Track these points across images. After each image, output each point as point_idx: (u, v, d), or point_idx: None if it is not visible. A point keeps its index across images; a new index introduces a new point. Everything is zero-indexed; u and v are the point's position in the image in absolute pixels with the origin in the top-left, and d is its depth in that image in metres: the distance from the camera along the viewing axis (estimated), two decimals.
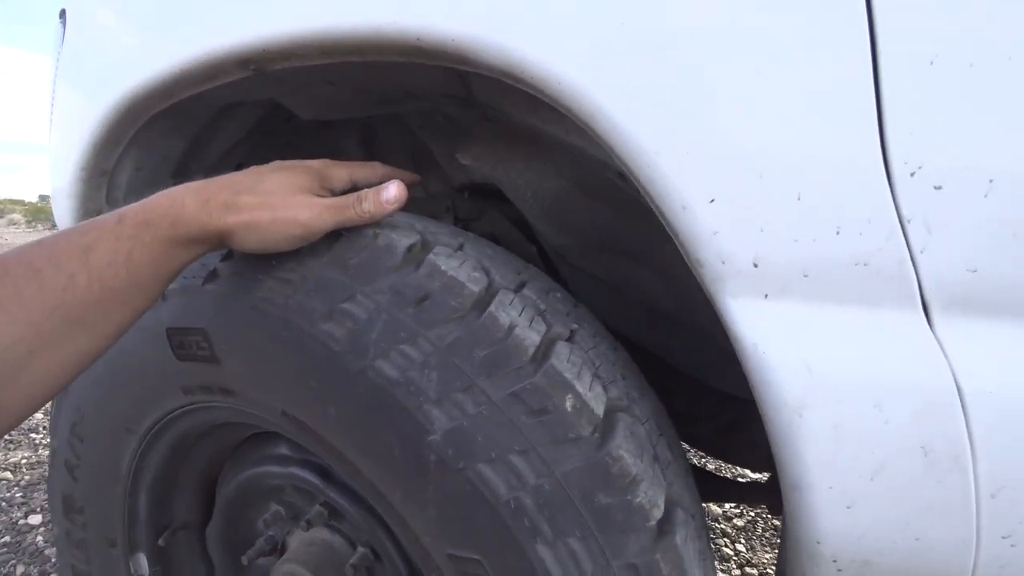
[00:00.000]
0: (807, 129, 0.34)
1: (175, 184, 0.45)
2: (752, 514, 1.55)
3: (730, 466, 1.58)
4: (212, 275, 0.50)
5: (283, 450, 0.62)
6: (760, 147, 0.34)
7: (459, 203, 0.78)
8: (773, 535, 1.45)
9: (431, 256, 0.43)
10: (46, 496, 1.61)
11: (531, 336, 0.41)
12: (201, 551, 0.73)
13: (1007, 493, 0.36)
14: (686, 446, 1.01)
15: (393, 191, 0.48)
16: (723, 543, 1.41)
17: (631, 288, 0.71)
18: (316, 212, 0.45)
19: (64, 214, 0.71)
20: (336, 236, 0.46)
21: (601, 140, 0.38)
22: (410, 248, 0.44)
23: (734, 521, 1.52)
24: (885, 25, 0.32)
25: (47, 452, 1.80)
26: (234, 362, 0.50)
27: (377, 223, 0.46)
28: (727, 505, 1.56)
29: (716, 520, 1.52)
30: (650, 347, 0.73)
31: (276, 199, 0.44)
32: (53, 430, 0.69)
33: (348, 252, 0.44)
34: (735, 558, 1.37)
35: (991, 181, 0.34)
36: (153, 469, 0.66)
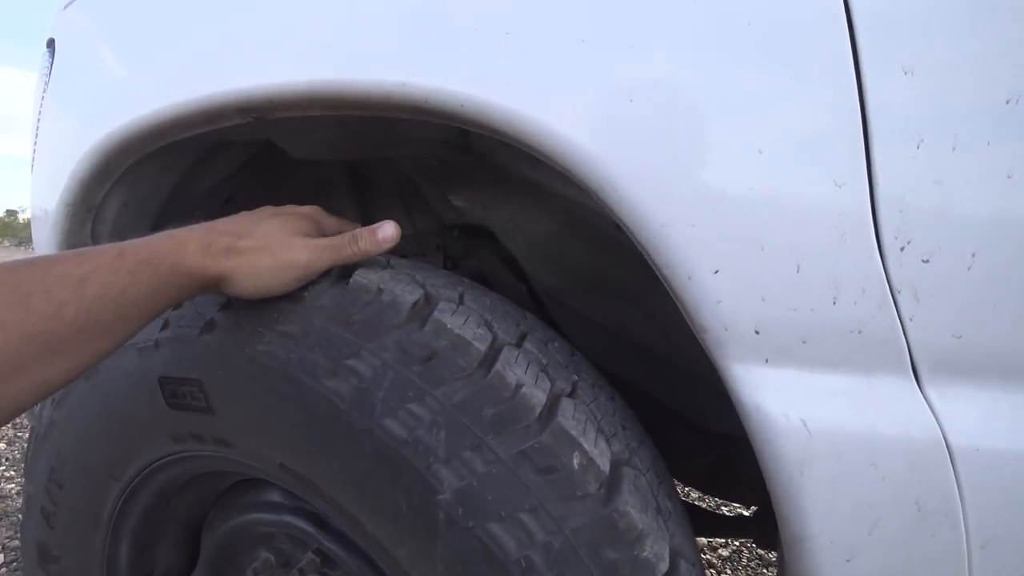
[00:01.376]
0: (806, 206, 0.36)
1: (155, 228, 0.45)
2: (736, 544, 1.57)
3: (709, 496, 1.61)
4: (209, 325, 0.49)
5: (274, 497, 0.61)
6: (761, 223, 0.36)
7: (449, 241, 0.79)
8: (759, 565, 1.48)
9: (436, 313, 0.44)
10: (8, 533, 1.53)
11: (537, 395, 0.42)
12: None
13: (996, 544, 0.38)
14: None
15: (389, 230, 0.49)
16: (709, 574, 1.43)
17: (622, 329, 0.72)
18: (315, 253, 0.46)
19: (47, 248, 0.69)
20: (340, 290, 0.46)
21: (608, 207, 0.39)
22: (415, 304, 0.44)
23: (719, 551, 1.54)
24: (877, 115, 0.35)
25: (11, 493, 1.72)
26: (230, 414, 0.49)
27: (382, 280, 0.46)
28: None
29: (702, 550, 1.54)
30: (640, 385, 0.74)
31: (275, 242, 0.45)
32: (29, 475, 0.66)
33: (352, 307, 0.45)
34: None
35: (973, 255, 0.36)
36: (136, 516, 0.64)
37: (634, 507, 0.42)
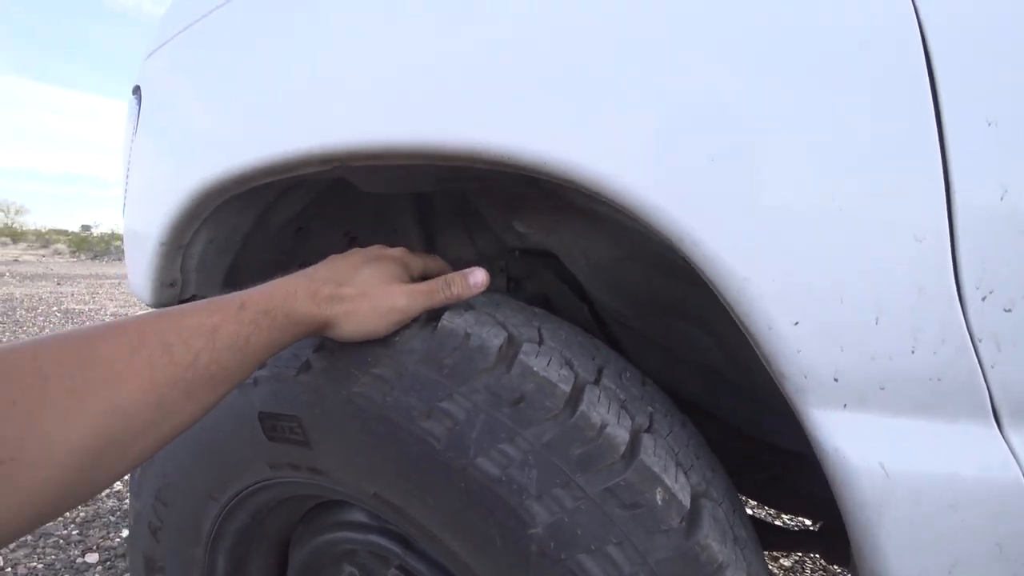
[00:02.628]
0: (887, 259, 0.37)
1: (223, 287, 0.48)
2: (798, 554, 1.56)
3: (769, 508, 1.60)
4: (305, 366, 0.53)
5: (360, 517, 0.65)
6: (841, 276, 0.38)
7: (511, 263, 0.81)
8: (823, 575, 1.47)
9: (521, 356, 0.47)
10: (102, 533, 1.65)
11: (621, 433, 0.45)
12: None
13: None
14: None
15: (480, 276, 0.53)
16: None
17: (682, 348, 0.74)
18: (411, 298, 0.50)
19: (142, 283, 0.75)
20: (428, 334, 0.49)
21: (689, 260, 0.41)
22: (500, 348, 0.47)
23: (781, 561, 1.54)
24: (959, 168, 0.36)
25: (101, 495, 1.84)
26: (327, 448, 0.53)
27: (468, 324, 0.49)
28: None
29: None
30: (702, 403, 0.76)
31: (372, 289, 0.49)
32: (136, 494, 0.72)
33: (441, 352, 0.48)
34: None
35: None
36: (232, 533, 0.70)
37: (714, 539, 0.44)
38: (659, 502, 0.43)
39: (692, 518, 0.44)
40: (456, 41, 0.47)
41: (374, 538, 0.63)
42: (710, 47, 0.40)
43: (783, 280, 0.38)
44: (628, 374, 0.55)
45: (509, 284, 0.82)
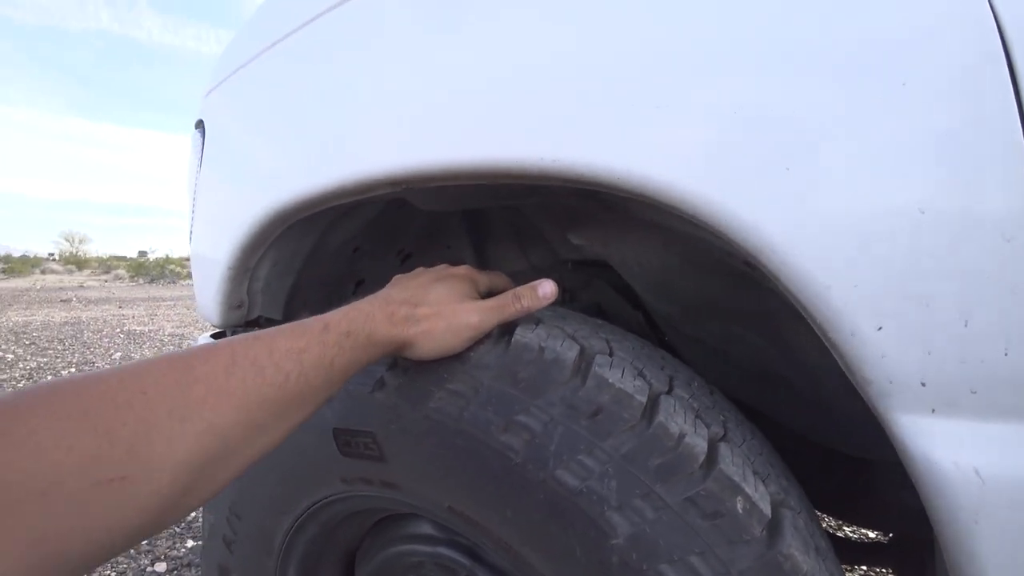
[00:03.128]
0: (973, 262, 0.37)
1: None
2: (862, 568, 1.52)
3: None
4: (379, 383, 0.55)
5: (428, 530, 0.67)
6: (927, 280, 0.37)
7: (565, 275, 0.82)
8: None
9: (596, 368, 0.47)
10: (168, 543, 1.71)
11: (699, 443, 0.45)
12: None
13: None
14: None
15: (548, 288, 0.55)
16: None
17: (740, 353, 0.73)
18: (484, 314, 0.51)
19: (211, 305, 0.78)
20: (502, 350, 0.50)
21: (766, 270, 0.41)
22: (574, 361, 0.48)
23: None
24: None
25: None
26: (402, 463, 0.55)
27: (541, 338, 0.50)
28: None
29: None
30: (763, 410, 0.75)
31: (446, 308, 0.51)
32: (211, 507, 0.75)
33: (517, 366, 0.49)
34: None
35: None
36: (303, 545, 0.72)
37: (797, 549, 0.44)
38: (740, 511, 0.43)
39: (774, 527, 0.44)
40: (525, 56, 0.48)
41: (442, 550, 0.64)
42: (781, 48, 0.40)
43: (866, 286, 0.38)
44: (696, 383, 0.55)
45: (564, 295, 0.83)
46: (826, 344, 0.42)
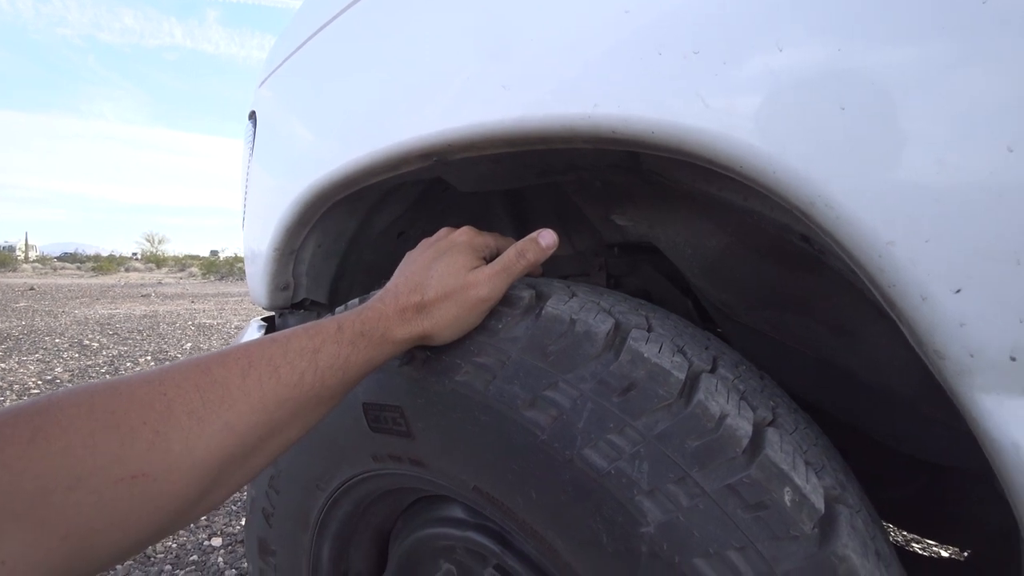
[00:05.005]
0: None
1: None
2: None
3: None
4: (408, 356, 0.54)
5: (459, 513, 0.65)
6: (1017, 231, 0.32)
7: (611, 261, 0.78)
8: None
9: (631, 343, 0.44)
10: (225, 520, 1.79)
11: (743, 425, 0.40)
12: None
13: None
14: None
15: (548, 236, 0.53)
16: None
17: (800, 343, 0.67)
18: (492, 282, 0.49)
19: (259, 288, 0.80)
20: (531, 321, 0.48)
21: (820, 228, 0.36)
22: (608, 334, 0.45)
23: None
24: None
25: None
26: (429, 439, 0.53)
27: (573, 311, 0.47)
28: None
29: None
30: (822, 405, 0.69)
31: (451, 286, 0.49)
32: (253, 482, 0.76)
33: (546, 338, 0.46)
34: None
35: None
36: (337, 522, 0.72)
37: (854, 551, 0.39)
38: (788, 503, 0.39)
39: (827, 524, 0.39)
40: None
41: (472, 535, 0.62)
42: None
43: (940, 241, 0.33)
44: (745, 367, 0.51)
45: (609, 282, 0.79)
46: (892, 315, 0.37)
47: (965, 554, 0.85)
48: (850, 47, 0.35)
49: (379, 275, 0.88)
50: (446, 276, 0.49)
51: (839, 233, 0.35)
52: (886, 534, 0.46)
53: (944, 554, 1.41)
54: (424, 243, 0.57)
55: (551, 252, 0.53)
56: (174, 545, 1.66)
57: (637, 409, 0.41)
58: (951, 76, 0.32)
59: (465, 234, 0.55)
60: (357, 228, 0.78)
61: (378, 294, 0.51)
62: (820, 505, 0.39)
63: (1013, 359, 0.33)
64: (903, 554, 0.78)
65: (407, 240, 0.87)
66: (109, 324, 6.14)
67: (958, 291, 0.33)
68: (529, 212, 0.89)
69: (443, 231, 0.57)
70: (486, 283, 0.49)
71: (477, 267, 0.51)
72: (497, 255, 0.54)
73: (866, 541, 0.40)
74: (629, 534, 0.41)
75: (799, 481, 0.39)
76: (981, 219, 0.32)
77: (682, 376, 0.42)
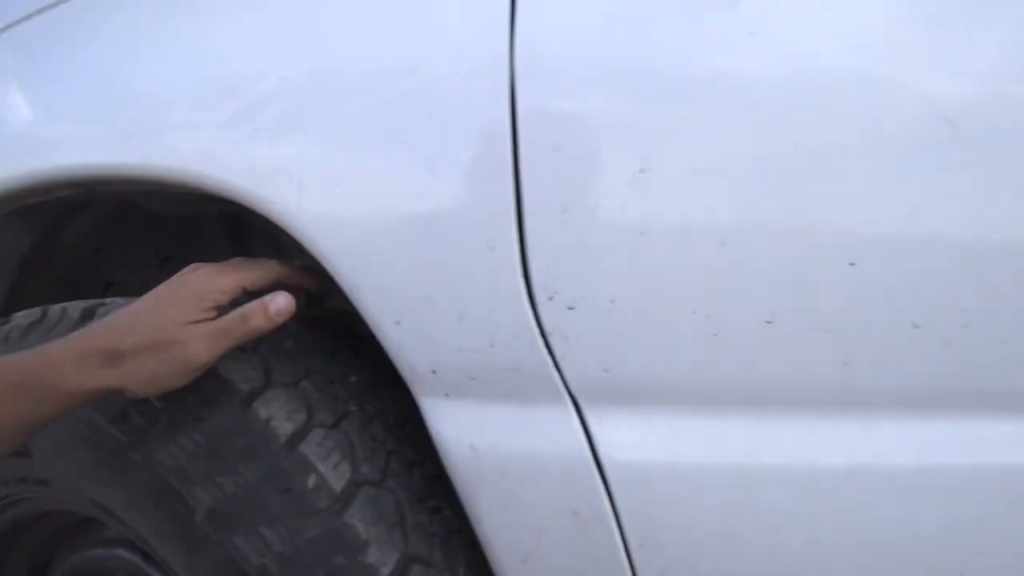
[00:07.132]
0: (466, 266, 0.44)
1: None
2: None
3: None
4: None
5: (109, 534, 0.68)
6: (431, 281, 0.44)
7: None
8: None
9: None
10: None
11: (285, 427, 0.50)
12: None
13: (651, 541, 0.46)
14: None
15: (281, 302, 0.47)
16: None
17: None
18: (204, 346, 0.44)
19: None
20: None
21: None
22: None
23: None
24: (528, 190, 0.42)
25: None
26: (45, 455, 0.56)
27: None
28: None
29: None
30: None
31: (157, 338, 0.43)
32: None
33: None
34: None
35: (612, 301, 0.44)
36: None
37: (361, 520, 0.49)
38: (311, 487, 0.48)
39: (343, 501, 0.49)
40: None
41: (120, 552, 0.65)
42: None
43: (385, 286, 0.45)
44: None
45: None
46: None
47: None
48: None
49: (78, 292, 0.87)
50: (151, 327, 0.44)
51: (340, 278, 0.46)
52: (429, 510, 0.58)
53: None
54: (153, 293, 0.48)
55: (282, 320, 0.46)
56: None
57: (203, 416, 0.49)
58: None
59: (199, 277, 0.47)
60: (35, 245, 0.77)
61: (68, 336, 0.46)
62: (338, 487, 0.49)
63: (434, 372, 0.45)
64: None
65: (110, 256, 0.87)
66: None
67: (398, 323, 0.45)
68: (248, 232, 0.93)
69: (190, 267, 0.49)
70: (197, 343, 0.44)
71: (197, 321, 0.44)
72: (272, 288, 0.48)
73: (387, 514, 0.51)
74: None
75: (323, 469, 0.49)
76: (412, 275, 0.44)
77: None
